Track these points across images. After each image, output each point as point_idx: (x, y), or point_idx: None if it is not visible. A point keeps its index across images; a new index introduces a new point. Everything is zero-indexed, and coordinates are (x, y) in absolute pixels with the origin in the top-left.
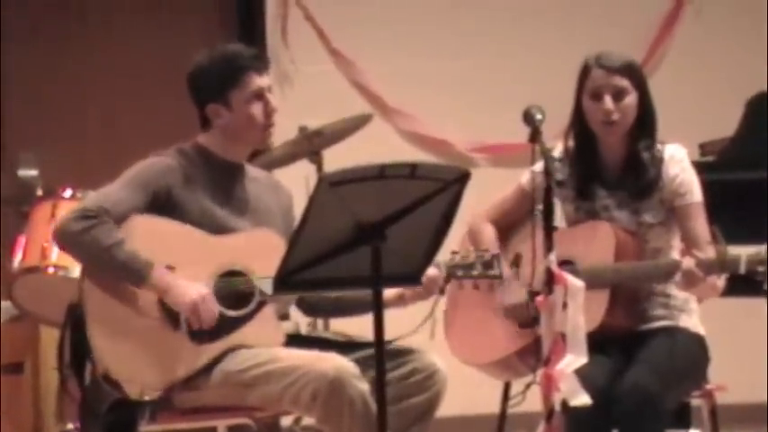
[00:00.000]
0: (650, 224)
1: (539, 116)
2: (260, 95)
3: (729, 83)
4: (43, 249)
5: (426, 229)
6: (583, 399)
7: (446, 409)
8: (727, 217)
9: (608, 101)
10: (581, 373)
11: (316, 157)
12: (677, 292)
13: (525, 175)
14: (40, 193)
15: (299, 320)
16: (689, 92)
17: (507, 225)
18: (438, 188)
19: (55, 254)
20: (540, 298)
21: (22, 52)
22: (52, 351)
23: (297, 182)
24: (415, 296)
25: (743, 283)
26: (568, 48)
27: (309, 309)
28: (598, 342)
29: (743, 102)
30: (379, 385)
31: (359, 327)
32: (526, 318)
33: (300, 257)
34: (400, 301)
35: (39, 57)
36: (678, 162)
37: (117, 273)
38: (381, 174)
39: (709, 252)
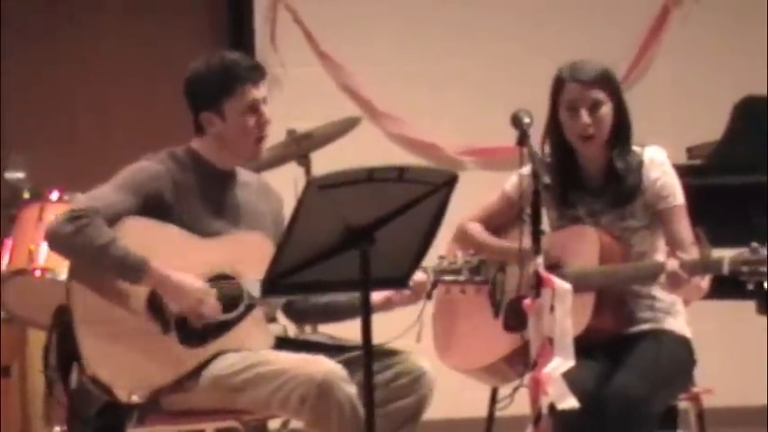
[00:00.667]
0: (635, 228)
1: (527, 119)
2: (254, 107)
3: (717, 87)
4: (30, 252)
5: (415, 232)
6: (570, 402)
7: (434, 411)
8: (714, 220)
9: (584, 115)
10: (569, 377)
11: (304, 160)
12: (663, 295)
13: (510, 180)
14: (27, 195)
15: (287, 323)
16: (676, 96)
17: (494, 230)
18: (426, 191)
19: (42, 256)
20: (527, 301)
21: (10, 55)
22: (39, 354)
23: (285, 185)
24: (402, 300)
25: (731, 286)
26: (557, 51)
27: (298, 316)
28: (585, 346)
29: (730, 106)
30: (367, 390)
31: (347, 330)
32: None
33: (289, 261)
34: (388, 305)
35: (27, 59)
36: (659, 165)
37: (114, 271)
38: (370, 177)
39: (692, 253)
